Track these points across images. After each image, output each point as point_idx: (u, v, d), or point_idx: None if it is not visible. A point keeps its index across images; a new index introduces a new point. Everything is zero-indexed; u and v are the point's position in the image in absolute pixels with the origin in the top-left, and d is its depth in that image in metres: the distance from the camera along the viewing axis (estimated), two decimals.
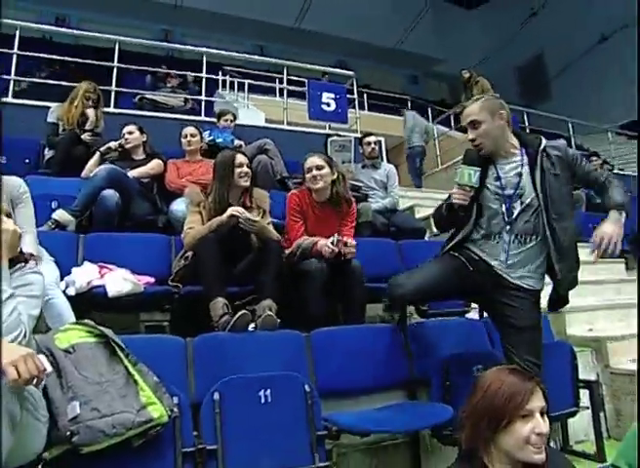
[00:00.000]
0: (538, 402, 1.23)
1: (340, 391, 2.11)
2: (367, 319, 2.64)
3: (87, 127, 3.78)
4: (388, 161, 5.48)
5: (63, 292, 2.17)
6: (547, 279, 2.05)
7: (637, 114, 7.87)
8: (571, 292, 2.07)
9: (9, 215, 1.51)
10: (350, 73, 6.51)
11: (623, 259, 4.63)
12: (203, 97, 6.06)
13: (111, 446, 1.41)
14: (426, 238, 3.99)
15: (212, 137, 4.04)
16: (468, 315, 2.97)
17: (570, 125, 8.48)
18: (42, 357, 1.26)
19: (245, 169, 2.62)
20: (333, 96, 5.82)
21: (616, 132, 10.09)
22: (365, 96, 10.30)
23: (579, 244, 2.03)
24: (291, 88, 6.45)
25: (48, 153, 3.76)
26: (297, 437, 1.74)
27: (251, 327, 2.18)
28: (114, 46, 5.36)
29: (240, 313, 2.11)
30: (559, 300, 2.06)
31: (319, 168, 2.67)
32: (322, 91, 5.86)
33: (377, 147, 4.33)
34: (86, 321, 1.68)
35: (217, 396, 1.69)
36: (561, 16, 14.38)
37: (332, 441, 1.83)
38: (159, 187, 3.37)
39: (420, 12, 15.92)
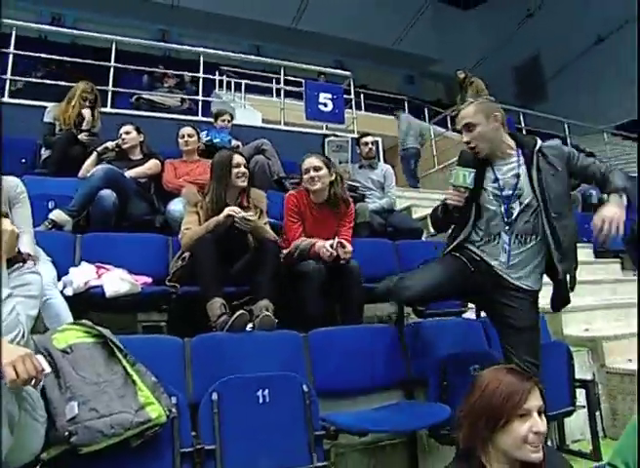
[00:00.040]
0: (535, 401, 1.23)
1: (337, 391, 2.11)
2: (364, 319, 2.65)
3: (83, 127, 3.77)
4: (385, 161, 5.49)
5: (61, 292, 2.17)
6: (547, 279, 2.05)
7: (637, 114, 7.88)
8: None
9: (6, 216, 1.51)
10: (347, 73, 6.52)
11: (619, 259, 4.67)
12: (200, 98, 6.06)
13: (109, 446, 1.41)
14: (423, 238, 4.00)
15: (209, 138, 4.05)
16: (465, 315, 2.98)
17: (566, 125, 8.51)
18: (40, 357, 1.26)
19: (242, 169, 2.62)
20: (330, 96, 5.82)
21: (611, 132, 10.14)
22: (362, 96, 10.32)
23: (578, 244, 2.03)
24: (288, 88, 6.44)
25: (44, 153, 3.76)
26: (295, 437, 1.74)
27: (248, 327, 2.18)
28: (111, 46, 5.35)
29: (238, 313, 2.11)
30: (561, 300, 2.07)
31: (317, 169, 2.66)
32: (319, 91, 5.85)
33: (374, 148, 4.34)
34: (84, 321, 1.68)
35: (215, 396, 1.69)
36: (557, 17, 14.45)
37: (330, 441, 1.83)
38: (156, 187, 3.37)
39: (416, 12, 15.95)
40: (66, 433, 1.36)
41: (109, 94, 5.19)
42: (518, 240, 1.96)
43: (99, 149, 3.47)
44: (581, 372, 2.66)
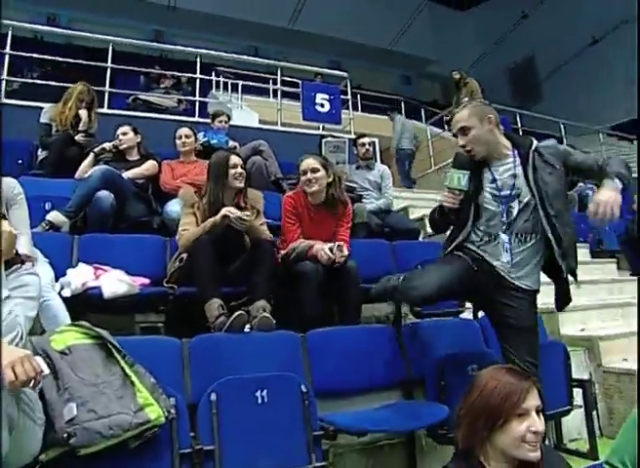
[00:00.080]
0: (533, 400, 1.24)
1: (336, 391, 2.11)
2: (362, 319, 2.65)
3: (80, 128, 3.76)
4: (382, 162, 5.50)
5: (59, 293, 2.16)
6: (547, 279, 2.06)
7: (637, 114, 7.90)
8: None
9: (3, 217, 1.50)
10: (344, 74, 6.52)
11: (615, 259, 4.70)
12: (197, 98, 6.05)
13: (108, 447, 1.41)
14: (420, 239, 4.01)
15: (206, 139, 4.05)
16: (462, 315, 2.98)
17: (561, 126, 8.55)
18: (39, 359, 1.26)
19: (239, 170, 2.62)
20: (327, 96, 5.83)
21: (607, 133, 10.18)
22: (358, 96, 10.32)
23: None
24: (285, 89, 6.45)
25: (41, 154, 3.74)
26: (293, 437, 1.74)
27: (247, 327, 2.18)
28: (107, 46, 5.34)
29: (236, 314, 2.11)
30: (564, 299, 2.07)
31: (314, 171, 2.65)
32: (316, 92, 5.86)
33: (371, 148, 4.35)
34: (82, 322, 1.68)
35: (213, 397, 1.69)
36: (552, 18, 14.49)
37: (328, 441, 1.83)
38: (154, 188, 3.36)
39: (413, 13, 15.99)
40: (65, 434, 1.36)
41: (106, 94, 5.18)
42: (518, 239, 1.97)
43: (96, 150, 3.46)
44: (578, 372, 2.67)
